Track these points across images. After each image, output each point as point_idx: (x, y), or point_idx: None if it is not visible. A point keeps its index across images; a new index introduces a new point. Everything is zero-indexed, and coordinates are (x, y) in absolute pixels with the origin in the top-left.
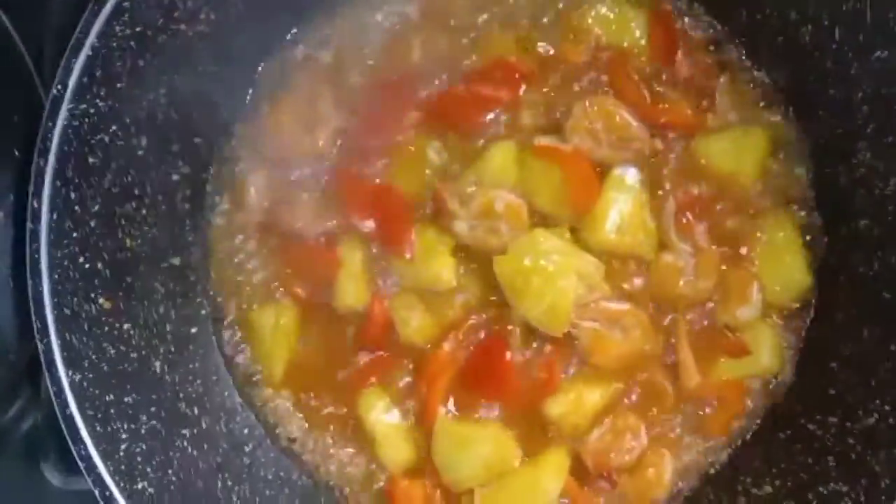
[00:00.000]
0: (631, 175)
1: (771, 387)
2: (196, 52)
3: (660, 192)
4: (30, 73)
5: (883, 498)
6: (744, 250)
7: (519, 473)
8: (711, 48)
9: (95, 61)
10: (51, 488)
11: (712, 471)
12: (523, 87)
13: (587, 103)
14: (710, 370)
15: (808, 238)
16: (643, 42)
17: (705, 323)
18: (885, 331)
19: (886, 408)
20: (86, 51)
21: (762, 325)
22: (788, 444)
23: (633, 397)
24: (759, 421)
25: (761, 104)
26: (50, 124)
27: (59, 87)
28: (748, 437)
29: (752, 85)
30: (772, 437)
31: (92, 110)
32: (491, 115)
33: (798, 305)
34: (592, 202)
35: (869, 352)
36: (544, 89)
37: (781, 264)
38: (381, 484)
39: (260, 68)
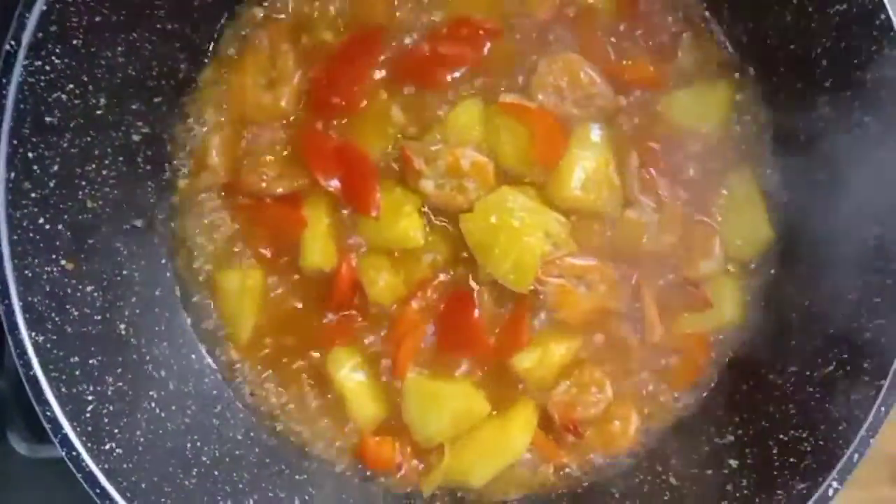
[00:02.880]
0: (595, 132)
1: (733, 339)
2: (155, 9)
3: (623, 149)
4: None
5: (840, 441)
6: (706, 205)
7: (488, 427)
8: (674, 5)
9: (50, 16)
10: (17, 457)
11: (677, 422)
12: (488, 44)
13: (552, 60)
14: (673, 324)
15: (768, 192)
16: None
17: (669, 277)
18: (842, 282)
19: (844, 356)
20: (40, 5)
21: (724, 279)
22: (750, 393)
23: (599, 351)
24: (721, 372)
25: (723, 60)
26: (4, 81)
27: (13, 42)
28: (711, 388)
29: (714, 41)
30: (734, 388)
31: (48, 67)
32: (456, 74)
33: (759, 258)
34: (558, 159)
35: (827, 303)
36: (509, 46)
37: (743, 219)
38: (352, 442)
39: (220, 27)
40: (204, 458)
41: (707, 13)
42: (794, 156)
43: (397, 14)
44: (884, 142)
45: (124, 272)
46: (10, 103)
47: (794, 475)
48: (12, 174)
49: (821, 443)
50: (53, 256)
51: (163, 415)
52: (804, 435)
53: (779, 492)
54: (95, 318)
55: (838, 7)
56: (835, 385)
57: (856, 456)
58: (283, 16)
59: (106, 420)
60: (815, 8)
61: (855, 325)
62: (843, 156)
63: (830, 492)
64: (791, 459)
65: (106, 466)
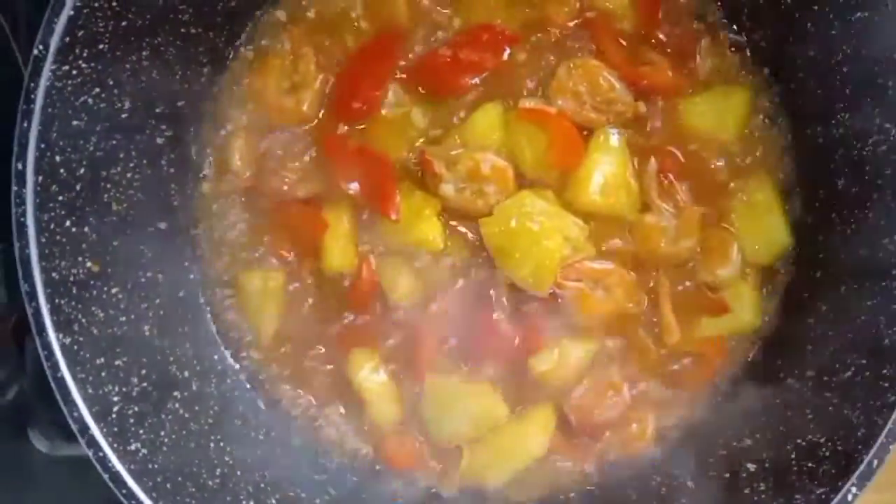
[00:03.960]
0: (614, 137)
1: (750, 343)
2: (179, 14)
3: (642, 154)
4: (6, 35)
5: (859, 447)
6: (724, 210)
7: (506, 430)
8: (693, 11)
9: (77, 21)
10: (38, 455)
11: (694, 425)
12: (508, 50)
13: (571, 65)
14: (691, 328)
15: (787, 197)
16: (627, 3)
17: (687, 282)
18: (860, 287)
19: (863, 361)
20: (67, 10)
21: (742, 284)
22: (767, 398)
23: (616, 354)
24: (739, 376)
25: (742, 66)
26: (32, 85)
27: (41, 47)
28: (728, 391)
29: (733, 47)
30: (752, 392)
31: (75, 72)
32: (476, 79)
33: (777, 264)
34: (577, 164)
35: (846, 308)
36: (529, 52)
37: (761, 224)
38: (372, 442)
39: (243, 31)
40: (227, 459)
41: (726, 19)
42: (813, 161)
43: (418, 19)
44: None
45: (149, 274)
46: (38, 107)
47: (812, 480)
48: (40, 178)
49: (839, 448)
50: (80, 259)
51: (186, 415)
52: (822, 440)
53: (797, 496)
54: (121, 319)
55: (859, 14)
56: (853, 390)
57: (875, 462)
58: (305, 19)
59: (131, 421)
60: (836, 15)
61: (873, 330)
62: (861, 161)
63: (850, 497)
64: (809, 464)
65: (132, 467)
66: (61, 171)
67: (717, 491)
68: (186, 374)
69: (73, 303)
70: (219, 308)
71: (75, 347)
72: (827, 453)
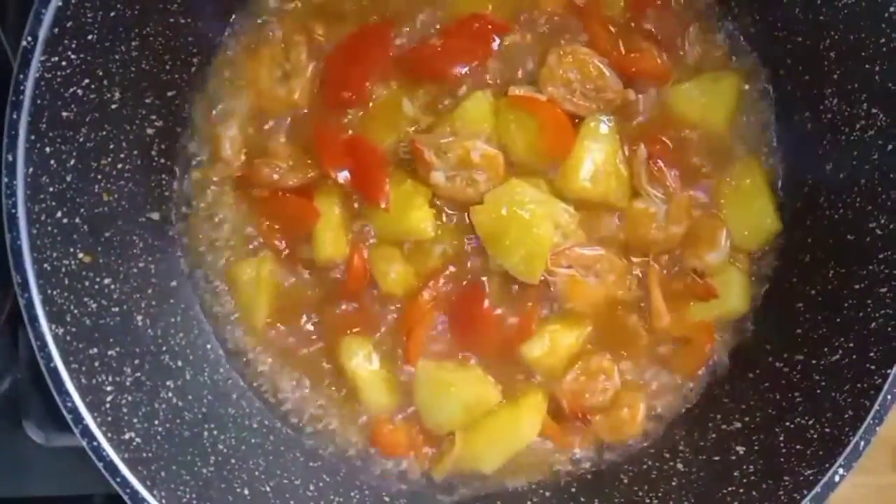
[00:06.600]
0: (604, 124)
1: (739, 328)
2: (168, 4)
3: (632, 140)
4: None
5: (846, 429)
6: (713, 196)
7: (498, 415)
8: None
9: (66, 12)
10: (33, 446)
11: (684, 409)
12: (497, 38)
13: (561, 53)
14: (681, 313)
15: (775, 183)
16: None
17: (676, 267)
18: (848, 271)
19: (850, 345)
20: (55, 1)
21: (730, 269)
22: (756, 382)
23: (607, 340)
24: (728, 360)
25: (731, 52)
26: (21, 77)
27: (30, 38)
28: (718, 376)
29: (721, 34)
30: (740, 376)
31: (64, 63)
32: (466, 68)
33: (765, 249)
34: (567, 151)
35: (834, 292)
36: (518, 39)
37: (749, 209)
38: (365, 430)
39: (233, 19)
40: (221, 447)
41: (715, 5)
42: (800, 147)
43: (409, 8)
44: (891, 134)
45: (140, 264)
46: (27, 99)
47: (800, 462)
48: (30, 169)
49: (827, 430)
50: (71, 250)
51: (180, 404)
52: (810, 422)
53: (785, 478)
54: (113, 310)
55: (847, 0)
56: (841, 373)
57: (862, 443)
58: (296, 7)
59: (125, 410)
60: (824, 0)
61: (861, 314)
62: (849, 147)
63: (837, 478)
64: (797, 446)
65: (126, 456)
66: (51, 162)
67: (707, 474)
68: (179, 363)
69: (66, 293)
70: (211, 297)
71: (68, 338)
72: (815, 435)
